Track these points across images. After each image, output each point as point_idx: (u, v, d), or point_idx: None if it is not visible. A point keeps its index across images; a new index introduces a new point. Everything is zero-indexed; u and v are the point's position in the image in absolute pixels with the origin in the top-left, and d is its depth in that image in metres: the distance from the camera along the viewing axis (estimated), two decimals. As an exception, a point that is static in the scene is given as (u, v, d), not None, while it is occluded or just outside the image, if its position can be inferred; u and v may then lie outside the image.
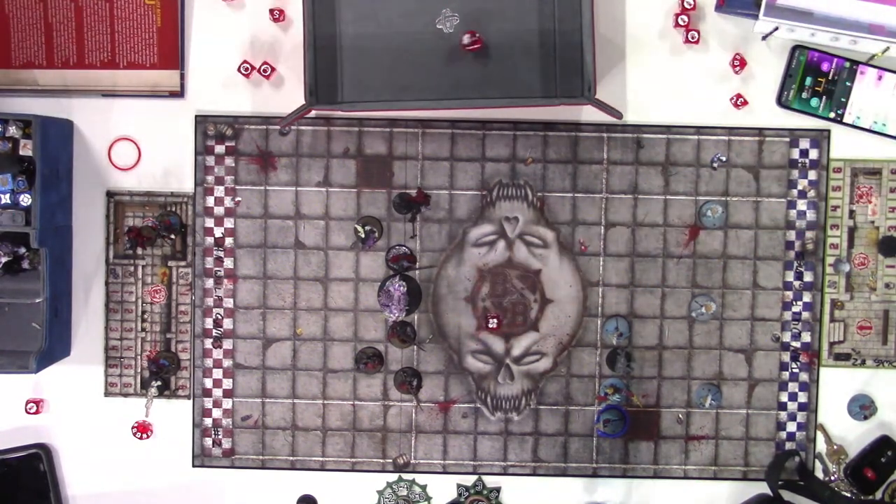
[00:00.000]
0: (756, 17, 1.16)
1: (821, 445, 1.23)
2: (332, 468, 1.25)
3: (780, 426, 1.23)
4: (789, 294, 1.23)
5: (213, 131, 1.22)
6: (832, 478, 1.23)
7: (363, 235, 1.22)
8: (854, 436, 1.24)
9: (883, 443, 1.23)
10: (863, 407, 1.23)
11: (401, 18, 1.16)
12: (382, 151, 1.23)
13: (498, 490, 1.25)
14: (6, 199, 1.13)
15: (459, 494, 1.25)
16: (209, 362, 1.24)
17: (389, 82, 1.16)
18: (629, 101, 1.21)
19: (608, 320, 1.23)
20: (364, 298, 1.23)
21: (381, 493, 1.25)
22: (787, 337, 1.23)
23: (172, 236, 1.23)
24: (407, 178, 1.23)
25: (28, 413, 1.23)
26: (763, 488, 1.22)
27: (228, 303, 1.23)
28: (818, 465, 1.23)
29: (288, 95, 1.20)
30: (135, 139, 1.22)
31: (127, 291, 1.24)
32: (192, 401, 1.24)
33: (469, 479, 1.24)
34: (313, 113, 1.16)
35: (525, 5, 1.16)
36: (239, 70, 1.21)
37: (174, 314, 1.24)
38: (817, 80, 1.20)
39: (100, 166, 1.23)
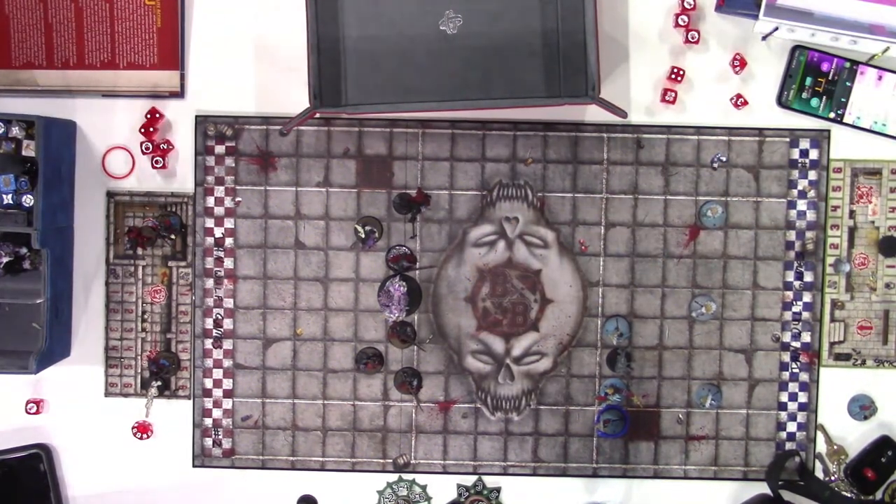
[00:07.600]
0: (756, 17, 1.16)
1: (821, 445, 1.24)
2: (332, 468, 1.24)
3: (780, 426, 1.23)
4: (789, 294, 1.23)
5: (213, 131, 1.22)
6: (832, 478, 1.23)
7: (363, 235, 1.22)
8: (854, 436, 1.24)
9: (883, 443, 1.23)
10: (863, 407, 1.23)
11: (404, 20, 1.16)
12: (382, 151, 1.23)
13: (498, 490, 1.25)
14: (8, 199, 1.13)
15: (459, 494, 1.25)
16: (209, 362, 1.24)
17: (393, 84, 1.16)
18: (633, 101, 1.21)
19: (608, 320, 1.23)
20: (364, 298, 1.23)
21: (381, 493, 1.25)
22: (787, 337, 1.23)
23: (172, 236, 1.23)
24: (407, 178, 1.23)
25: (28, 413, 1.23)
26: (763, 488, 1.22)
27: (228, 303, 1.23)
28: (818, 465, 1.23)
29: (289, 96, 1.20)
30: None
31: (127, 291, 1.24)
32: (192, 401, 1.24)
33: (469, 479, 1.24)
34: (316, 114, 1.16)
35: (527, 5, 1.16)
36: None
37: (174, 314, 1.24)
38: (817, 80, 1.20)
39: (99, 167, 1.23)
